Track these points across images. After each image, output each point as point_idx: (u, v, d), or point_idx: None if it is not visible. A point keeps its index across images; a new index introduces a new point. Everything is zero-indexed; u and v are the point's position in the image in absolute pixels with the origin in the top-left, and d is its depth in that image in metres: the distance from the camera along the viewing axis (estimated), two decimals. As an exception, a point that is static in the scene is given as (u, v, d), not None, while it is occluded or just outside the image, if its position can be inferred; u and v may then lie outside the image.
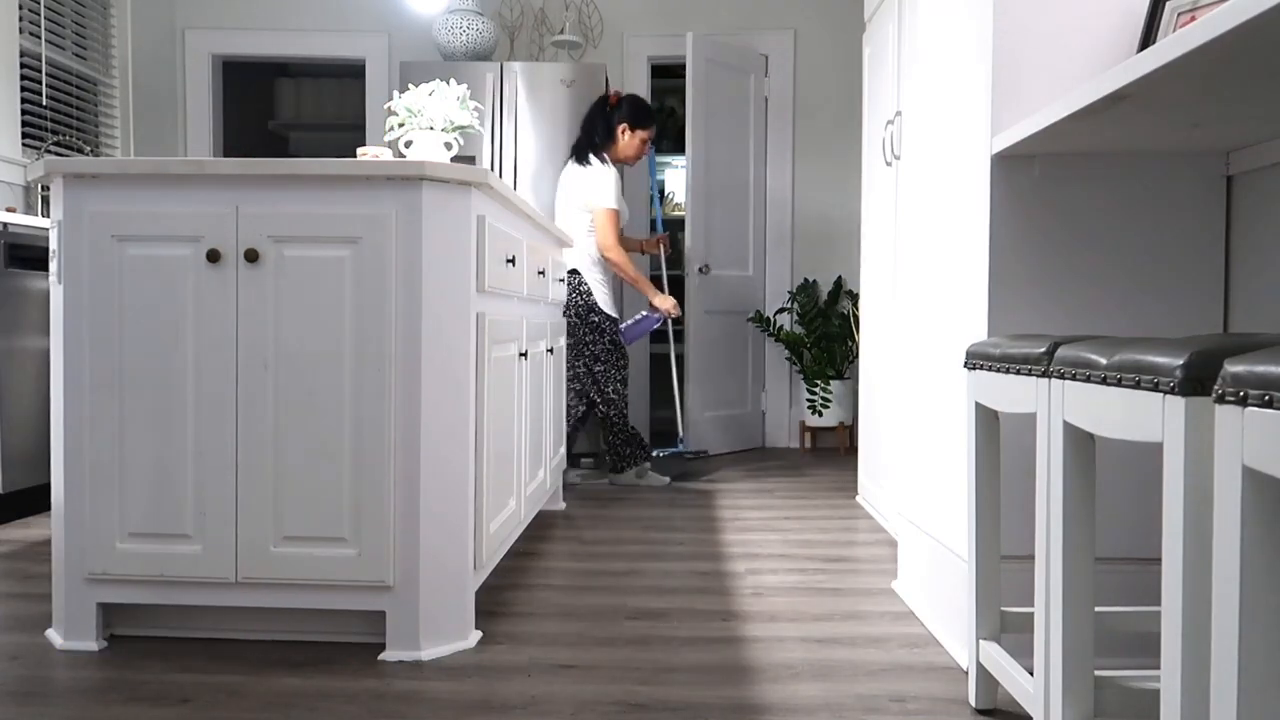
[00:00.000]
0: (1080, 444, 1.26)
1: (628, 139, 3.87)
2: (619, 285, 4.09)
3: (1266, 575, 0.79)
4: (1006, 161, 1.78)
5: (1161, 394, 0.97)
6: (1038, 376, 1.32)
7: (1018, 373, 1.39)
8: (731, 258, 4.95)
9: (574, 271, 3.81)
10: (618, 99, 3.90)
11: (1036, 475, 1.37)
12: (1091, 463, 1.27)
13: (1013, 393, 1.43)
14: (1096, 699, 1.32)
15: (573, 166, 3.87)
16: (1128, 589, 1.76)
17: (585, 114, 3.99)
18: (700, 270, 4.64)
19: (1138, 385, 1.01)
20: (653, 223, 4.91)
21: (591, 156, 3.83)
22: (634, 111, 3.88)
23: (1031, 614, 1.61)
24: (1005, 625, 1.62)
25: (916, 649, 1.95)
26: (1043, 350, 1.31)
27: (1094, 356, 1.13)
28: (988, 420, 1.61)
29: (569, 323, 3.82)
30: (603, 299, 3.83)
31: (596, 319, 3.82)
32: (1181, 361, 0.94)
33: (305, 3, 5.17)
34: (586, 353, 3.83)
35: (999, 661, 1.53)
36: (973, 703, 1.66)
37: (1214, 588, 0.83)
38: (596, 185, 3.77)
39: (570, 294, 3.81)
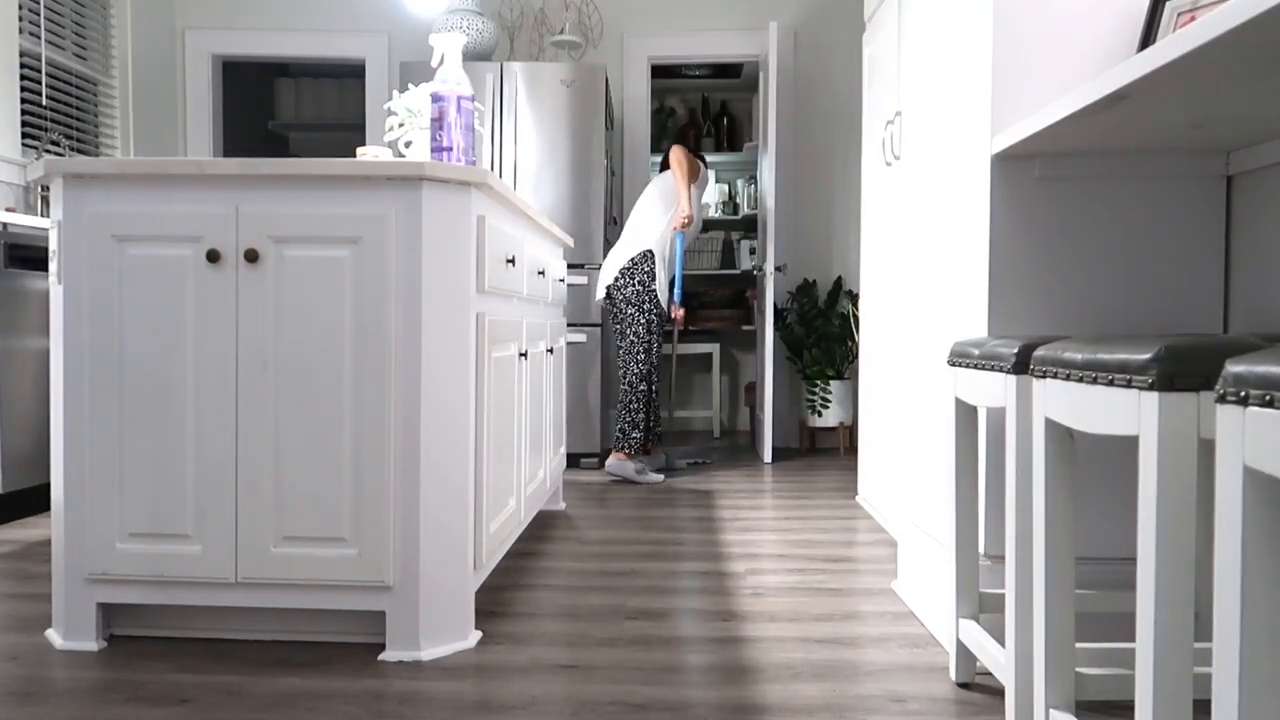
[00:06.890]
0: (1060, 439, 1.33)
1: (691, 190, 4.24)
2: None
3: (1267, 575, 0.79)
4: (1006, 161, 1.78)
5: (1137, 390, 1.04)
6: (1018, 374, 1.42)
7: (995, 369, 1.50)
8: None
9: (648, 253, 4.08)
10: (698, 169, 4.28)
11: (1006, 470, 1.48)
12: (1072, 457, 1.34)
13: (993, 389, 1.52)
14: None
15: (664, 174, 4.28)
16: (1103, 588, 1.77)
17: (672, 145, 4.24)
18: (778, 269, 4.75)
19: (1111, 383, 1.09)
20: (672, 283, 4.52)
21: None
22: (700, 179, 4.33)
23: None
24: (984, 606, 1.75)
25: (916, 649, 1.95)
26: (1020, 347, 1.40)
27: (1072, 355, 1.20)
28: (967, 414, 1.76)
29: (622, 298, 4.06)
30: (660, 286, 4.10)
31: (649, 302, 4.06)
32: (1152, 356, 1.01)
33: (305, 3, 5.17)
34: (629, 330, 4.08)
35: (981, 641, 1.63)
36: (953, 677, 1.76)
37: (1215, 587, 0.83)
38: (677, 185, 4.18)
39: (634, 272, 4.05)
